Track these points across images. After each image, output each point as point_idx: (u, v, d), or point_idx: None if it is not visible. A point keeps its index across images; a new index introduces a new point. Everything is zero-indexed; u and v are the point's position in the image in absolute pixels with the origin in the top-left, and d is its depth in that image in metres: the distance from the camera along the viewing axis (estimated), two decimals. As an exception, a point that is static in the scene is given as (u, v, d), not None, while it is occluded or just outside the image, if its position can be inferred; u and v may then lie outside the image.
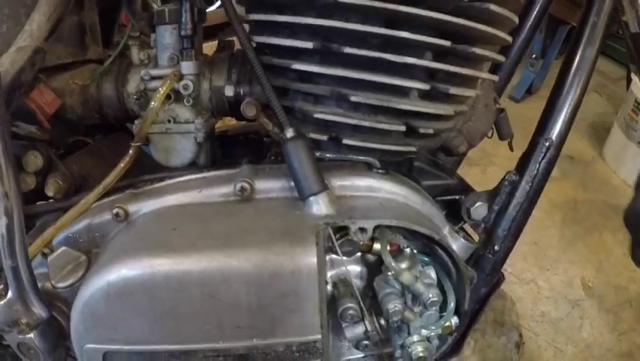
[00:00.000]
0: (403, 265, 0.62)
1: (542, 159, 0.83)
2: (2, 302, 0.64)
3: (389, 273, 0.62)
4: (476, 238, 0.84)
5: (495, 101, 0.88)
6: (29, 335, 0.68)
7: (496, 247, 0.83)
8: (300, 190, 0.64)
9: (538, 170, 0.84)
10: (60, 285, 0.71)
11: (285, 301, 0.59)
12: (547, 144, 0.83)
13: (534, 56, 3.04)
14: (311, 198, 0.63)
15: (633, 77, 2.24)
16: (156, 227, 0.66)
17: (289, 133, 0.65)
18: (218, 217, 0.65)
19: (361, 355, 0.75)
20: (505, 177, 0.83)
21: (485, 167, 2.23)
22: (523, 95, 3.12)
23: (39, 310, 0.65)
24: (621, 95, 2.85)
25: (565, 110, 0.84)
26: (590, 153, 2.83)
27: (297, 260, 0.58)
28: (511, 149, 0.95)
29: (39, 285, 0.64)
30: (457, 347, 0.80)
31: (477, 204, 0.81)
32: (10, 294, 0.63)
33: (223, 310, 0.60)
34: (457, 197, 0.82)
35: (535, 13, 0.97)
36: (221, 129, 0.93)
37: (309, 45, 0.64)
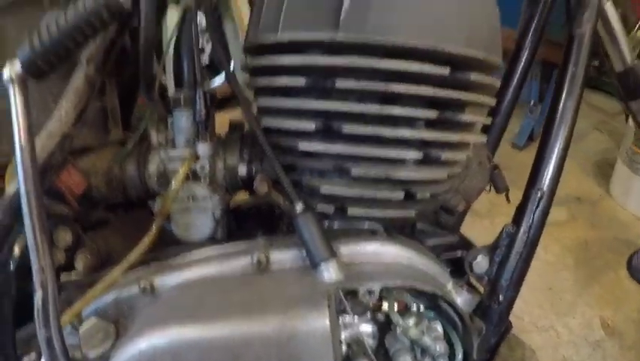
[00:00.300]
0: (410, 322, 0.67)
1: (536, 208, 0.88)
2: None
3: (398, 329, 0.67)
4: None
5: (488, 158, 0.94)
6: None
7: (500, 298, 0.87)
8: (311, 259, 0.70)
9: (533, 220, 0.88)
10: (90, 355, 0.73)
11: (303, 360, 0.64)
12: (539, 194, 0.89)
13: (532, 102, 3.10)
14: (322, 266, 0.69)
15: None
16: (182, 299, 0.71)
17: (299, 207, 0.71)
18: (238, 288, 0.70)
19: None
20: (502, 230, 0.89)
21: (493, 218, 2.25)
22: (526, 143, 3.15)
23: None
24: (622, 130, 2.87)
25: (553, 160, 0.89)
26: (597, 192, 2.84)
27: (311, 322, 0.63)
28: (508, 200, 1.00)
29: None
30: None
31: (478, 259, 0.86)
32: None
33: (247, 373, 0.64)
34: (459, 253, 0.87)
35: (524, 58, 1.03)
36: (234, 204, 0.99)
37: (311, 126, 0.72)
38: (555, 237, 2.39)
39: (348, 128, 0.71)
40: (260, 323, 0.64)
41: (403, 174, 0.74)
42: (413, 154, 0.73)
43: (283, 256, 0.73)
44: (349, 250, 0.73)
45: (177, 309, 0.70)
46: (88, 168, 0.89)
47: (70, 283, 0.83)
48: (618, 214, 2.65)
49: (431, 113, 0.72)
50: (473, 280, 0.90)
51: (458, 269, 0.87)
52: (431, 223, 0.89)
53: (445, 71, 0.71)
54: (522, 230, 0.88)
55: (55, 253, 0.82)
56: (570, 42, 0.93)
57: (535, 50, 1.04)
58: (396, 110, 0.70)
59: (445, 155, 0.76)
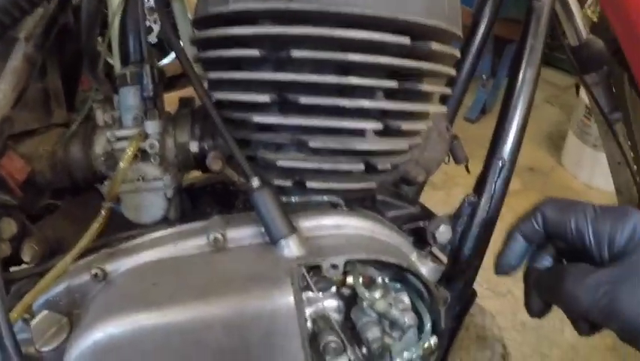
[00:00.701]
0: (377, 294, 0.66)
1: (498, 178, 0.89)
2: None
3: (364, 303, 0.65)
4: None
5: (447, 129, 0.93)
6: None
7: (464, 266, 0.87)
8: (270, 235, 0.67)
9: (495, 189, 0.88)
10: (44, 349, 0.70)
11: (268, 340, 0.61)
12: (500, 163, 0.89)
13: (485, 76, 3.15)
14: (282, 242, 0.66)
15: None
16: (136, 284, 0.68)
17: (255, 183, 0.68)
18: (195, 269, 0.67)
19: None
20: (464, 199, 0.88)
21: (449, 189, 2.28)
22: (478, 116, 3.21)
23: None
24: (573, 103, 2.96)
25: (513, 129, 0.89)
26: (549, 162, 2.92)
27: (275, 301, 0.60)
28: (468, 171, 1.00)
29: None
30: (440, 366, 0.83)
31: (441, 228, 0.84)
32: None
33: (209, 357, 0.61)
34: (422, 224, 0.86)
35: (479, 34, 1.02)
36: (187, 182, 0.95)
37: (265, 98, 0.68)
38: (509, 206, 2.41)
39: (305, 99, 0.68)
40: (220, 304, 0.61)
41: (364, 145, 0.72)
42: (373, 125, 0.71)
43: (241, 234, 0.70)
44: (309, 224, 0.70)
45: (131, 295, 0.66)
46: (30, 153, 0.84)
47: (17, 273, 0.78)
48: (570, 184, 2.72)
49: (391, 83, 0.70)
50: (435, 251, 0.89)
51: (420, 240, 0.86)
52: (391, 195, 0.88)
53: (405, 40, 0.69)
54: (484, 199, 0.88)
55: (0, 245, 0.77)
56: (529, 14, 0.93)
57: (492, 25, 1.03)
58: (355, 80, 0.68)
59: (406, 125, 0.74)
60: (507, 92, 0.92)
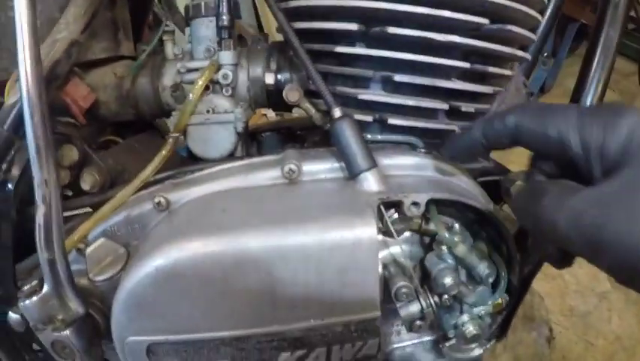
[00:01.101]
0: (456, 238, 0.62)
1: None
2: (37, 297, 0.62)
3: (443, 247, 0.62)
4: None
5: (525, 85, 0.89)
6: (65, 333, 0.65)
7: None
8: (349, 168, 0.64)
9: None
10: (98, 278, 0.69)
11: (344, 275, 0.58)
12: None
13: (545, 54, 3.04)
14: (361, 176, 0.63)
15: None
16: (203, 211, 0.65)
17: (337, 113, 0.65)
18: (269, 198, 0.64)
19: (409, 342, 0.74)
20: None
21: (508, 155, 2.22)
22: (537, 94, 3.12)
23: (76, 306, 0.63)
24: (633, 90, 2.85)
25: (592, 91, 0.85)
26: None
27: (358, 231, 0.57)
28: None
29: (74, 280, 0.62)
30: (504, 328, 0.80)
31: (516, 184, 0.80)
32: (45, 288, 0.61)
33: (280, 289, 0.58)
34: (496, 178, 0.82)
35: (550, 9, 0.97)
36: (253, 126, 0.93)
37: (353, 27, 0.65)
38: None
39: (393, 30, 0.64)
40: (298, 232, 0.57)
41: (449, 84, 0.68)
42: (460, 64, 0.67)
43: (316, 167, 0.67)
44: (389, 161, 0.67)
45: (199, 221, 0.63)
46: (96, 82, 0.82)
47: (75, 202, 0.76)
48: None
49: (482, 20, 0.66)
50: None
51: (491, 196, 0.82)
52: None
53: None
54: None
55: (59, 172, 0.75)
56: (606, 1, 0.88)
57: (562, 3, 0.99)
58: (447, 14, 0.63)
59: (492, 69, 0.70)
60: (578, 82, 0.87)
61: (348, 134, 0.63)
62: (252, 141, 0.91)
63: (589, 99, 0.84)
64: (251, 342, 0.62)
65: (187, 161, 0.82)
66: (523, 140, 0.53)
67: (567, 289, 1.93)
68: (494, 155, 0.93)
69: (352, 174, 0.64)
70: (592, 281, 1.97)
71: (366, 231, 0.57)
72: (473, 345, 0.71)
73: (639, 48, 3.06)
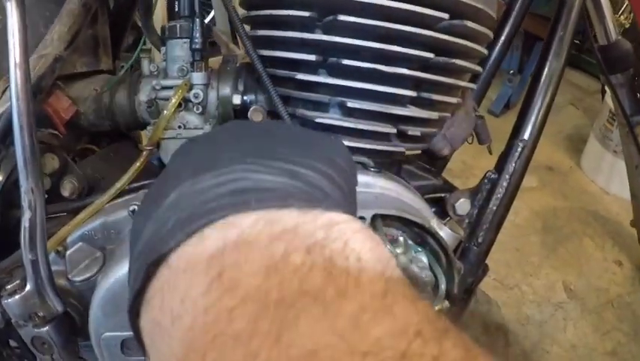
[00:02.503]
0: (398, 250, 0.69)
1: (518, 158, 0.94)
2: (19, 296, 0.67)
3: (385, 258, 0.69)
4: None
5: (474, 109, 0.97)
6: (44, 329, 0.71)
7: (479, 239, 0.91)
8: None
9: (514, 168, 0.94)
10: (77, 279, 0.74)
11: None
12: (521, 145, 0.95)
13: (512, 71, 3.14)
14: (313, 192, 0.70)
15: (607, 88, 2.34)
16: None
17: (293, 134, 0.72)
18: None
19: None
20: (485, 175, 0.93)
21: (467, 178, 2.31)
22: (502, 110, 3.21)
23: (55, 304, 0.69)
24: (597, 108, 2.95)
25: (535, 115, 0.95)
26: (568, 164, 2.92)
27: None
28: (490, 152, 1.03)
29: (53, 281, 0.67)
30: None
31: (460, 200, 0.89)
32: (28, 287, 0.67)
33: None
34: (443, 195, 0.90)
35: (509, 27, 1.05)
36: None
37: (312, 58, 0.72)
38: (526, 202, 2.47)
39: (348, 62, 0.71)
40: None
41: (397, 110, 0.75)
42: (408, 92, 0.74)
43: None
44: (340, 179, 0.74)
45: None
46: (77, 95, 0.88)
47: (55, 207, 0.82)
48: (587, 187, 2.73)
49: (428, 55, 0.74)
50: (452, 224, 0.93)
51: (440, 211, 0.90)
52: (416, 166, 0.92)
53: (444, 15, 0.72)
54: (503, 176, 0.93)
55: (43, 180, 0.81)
56: (561, 6, 0.98)
57: (521, 19, 1.06)
58: (397, 49, 0.71)
59: (437, 97, 0.78)
60: (533, 80, 0.97)
61: (303, 154, 0.70)
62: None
63: (528, 130, 0.93)
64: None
65: (158, 171, 0.88)
66: None
67: (524, 299, 1.99)
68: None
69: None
70: (548, 292, 2.04)
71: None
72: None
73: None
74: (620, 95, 1.37)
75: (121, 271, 0.67)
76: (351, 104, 0.73)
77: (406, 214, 0.70)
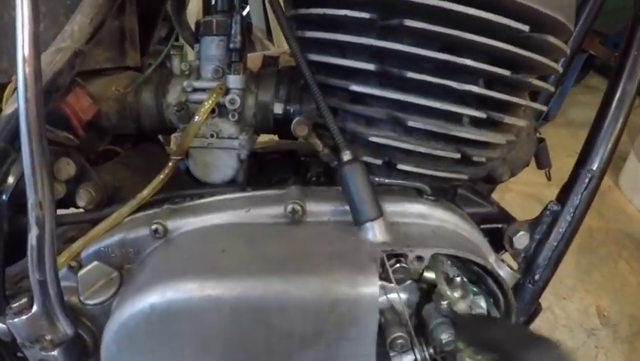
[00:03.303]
0: (457, 294, 0.61)
1: (584, 190, 0.84)
2: (26, 317, 0.61)
3: (443, 302, 0.60)
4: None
5: (535, 130, 0.87)
6: (52, 353, 0.64)
7: (536, 277, 0.83)
8: (355, 215, 0.62)
9: (580, 200, 0.84)
10: (90, 302, 0.67)
11: (342, 330, 0.56)
12: (589, 175, 0.85)
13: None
14: (367, 225, 0.61)
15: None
16: (202, 247, 0.63)
17: (346, 155, 0.63)
18: (270, 239, 0.62)
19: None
20: (546, 207, 0.84)
21: (503, 193, 2.22)
22: (541, 122, 3.11)
23: (65, 327, 0.62)
24: (638, 124, 2.84)
25: (605, 142, 0.85)
26: (606, 182, 2.81)
27: (359, 288, 0.55)
28: (549, 178, 0.94)
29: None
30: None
31: (520, 234, 0.80)
32: (35, 308, 0.60)
33: (275, 339, 0.57)
34: (499, 226, 0.81)
35: (572, 43, 0.95)
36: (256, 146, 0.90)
37: (370, 67, 0.63)
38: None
39: (411, 74, 0.62)
40: (298, 285, 0.56)
41: (462, 133, 0.66)
42: (474, 112, 0.65)
43: (320, 208, 0.65)
44: (395, 208, 0.65)
45: (197, 259, 0.62)
46: (99, 93, 0.80)
47: (68, 217, 0.74)
48: (625, 207, 2.63)
49: (502, 71, 0.64)
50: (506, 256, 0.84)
51: (494, 241, 0.80)
52: (471, 191, 0.82)
53: (524, 27, 0.62)
54: (566, 209, 0.84)
55: (54, 185, 0.72)
56: (635, 24, 0.87)
57: (584, 36, 1.00)
58: (469, 62, 0.62)
59: (508, 118, 0.68)
60: (603, 103, 0.87)
61: (356, 180, 0.61)
62: (254, 162, 0.89)
63: (597, 160, 0.83)
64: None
65: (186, 180, 0.80)
66: None
67: (556, 323, 1.93)
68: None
69: (357, 221, 0.62)
70: (581, 317, 1.97)
71: (369, 289, 0.55)
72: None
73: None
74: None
75: (139, 305, 0.59)
76: (412, 122, 0.64)
77: (469, 255, 0.61)
